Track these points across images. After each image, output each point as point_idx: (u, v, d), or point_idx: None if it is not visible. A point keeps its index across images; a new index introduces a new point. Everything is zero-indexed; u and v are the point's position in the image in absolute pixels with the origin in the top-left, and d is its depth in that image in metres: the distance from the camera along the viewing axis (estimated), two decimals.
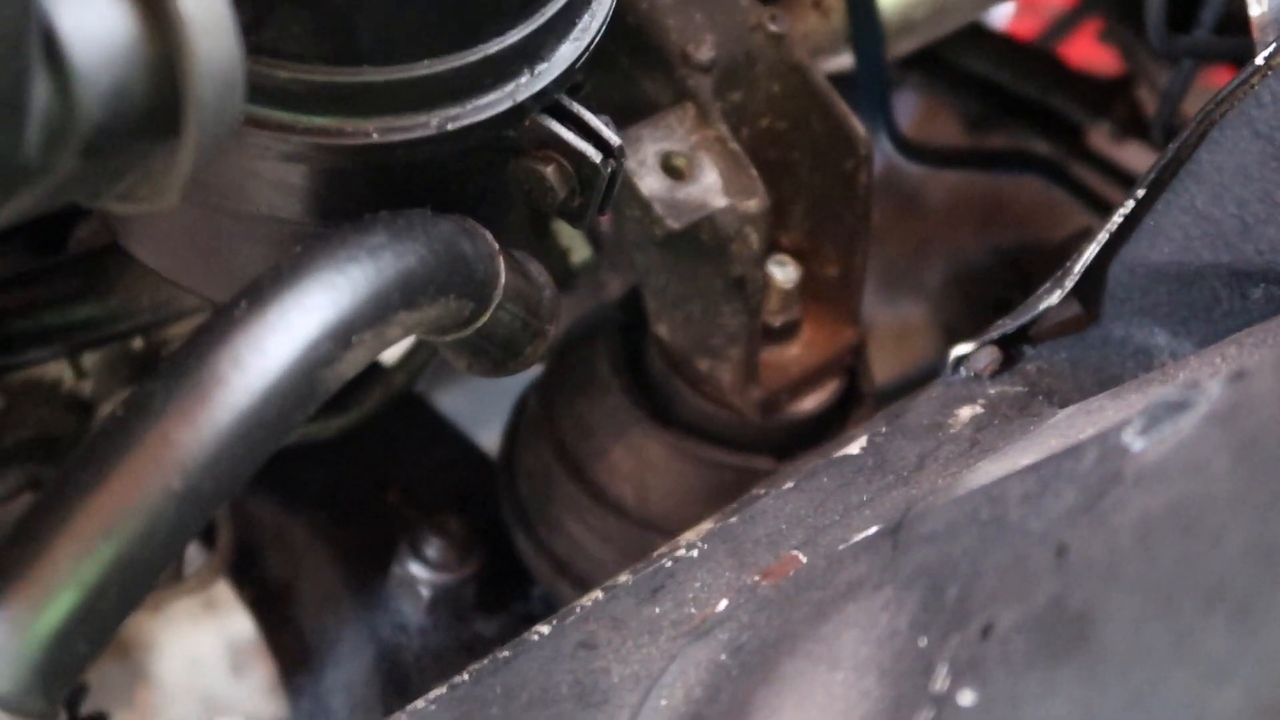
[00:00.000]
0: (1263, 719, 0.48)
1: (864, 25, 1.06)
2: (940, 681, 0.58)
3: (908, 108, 1.41)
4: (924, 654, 0.60)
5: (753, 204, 0.91)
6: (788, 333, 1.01)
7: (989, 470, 0.66)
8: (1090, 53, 1.52)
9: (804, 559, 0.71)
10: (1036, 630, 0.56)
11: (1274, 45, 0.74)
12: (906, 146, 1.23)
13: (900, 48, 1.13)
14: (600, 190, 0.73)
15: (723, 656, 0.67)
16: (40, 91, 0.50)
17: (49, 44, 0.50)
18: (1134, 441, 0.58)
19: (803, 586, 0.69)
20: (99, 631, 0.59)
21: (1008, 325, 0.82)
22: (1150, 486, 0.55)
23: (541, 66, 0.70)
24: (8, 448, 0.95)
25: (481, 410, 1.28)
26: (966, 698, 0.57)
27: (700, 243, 0.92)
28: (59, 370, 0.97)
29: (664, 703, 0.67)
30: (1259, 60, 0.75)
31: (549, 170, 0.72)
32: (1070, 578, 0.56)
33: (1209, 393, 0.57)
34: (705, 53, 0.91)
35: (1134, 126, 1.34)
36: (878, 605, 0.63)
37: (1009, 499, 0.61)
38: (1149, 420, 0.57)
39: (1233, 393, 0.56)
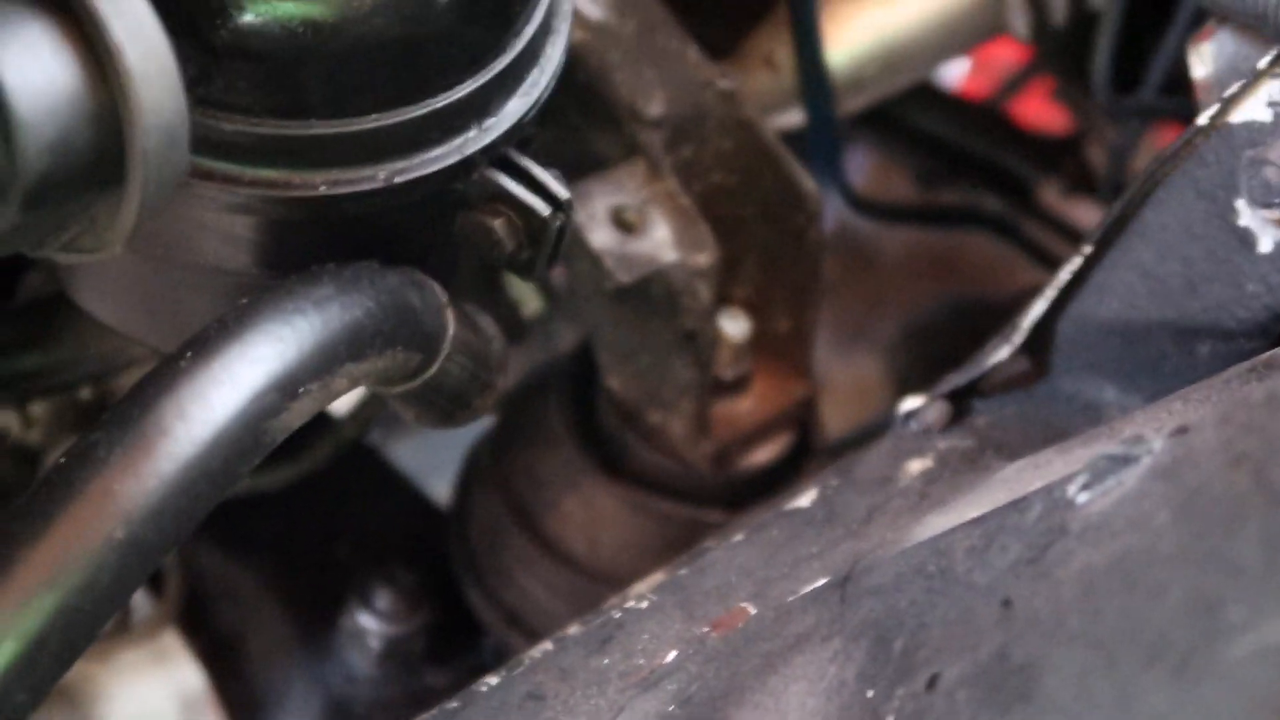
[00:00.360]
0: None
1: (814, 82, 1.07)
2: None
3: (859, 164, 1.41)
4: (870, 705, 0.59)
5: (703, 258, 0.91)
6: (739, 386, 1.01)
7: (936, 523, 0.65)
8: (1043, 111, 1.53)
9: (753, 611, 0.71)
10: (981, 683, 0.55)
11: (1216, 106, 0.75)
12: (858, 203, 1.23)
13: (851, 105, 1.13)
14: (549, 244, 0.73)
15: (671, 708, 0.67)
16: None
17: None
18: (1078, 495, 0.58)
19: (751, 638, 0.69)
20: (40, 682, 0.58)
21: (957, 380, 0.82)
22: (1094, 540, 0.55)
23: (490, 121, 0.70)
24: None
25: (433, 461, 1.28)
26: None
27: (650, 296, 0.92)
28: (6, 419, 0.96)
29: None
30: (1202, 121, 0.75)
31: (497, 223, 0.72)
32: (1015, 631, 0.56)
33: (1152, 447, 0.57)
34: (655, 108, 0.91)
35: (1083, 184, 1.35)
36: (825, 657, 0.63)
37: (955, 552, 0.61)
38: (1093, 474, 0.58)
39: (1175, 448, 0.56)
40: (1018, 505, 0.60)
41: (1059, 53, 1.29)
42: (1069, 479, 0.59)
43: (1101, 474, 0.57)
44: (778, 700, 0.64)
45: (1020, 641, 0.55)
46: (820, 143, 1.10)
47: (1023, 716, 0.53)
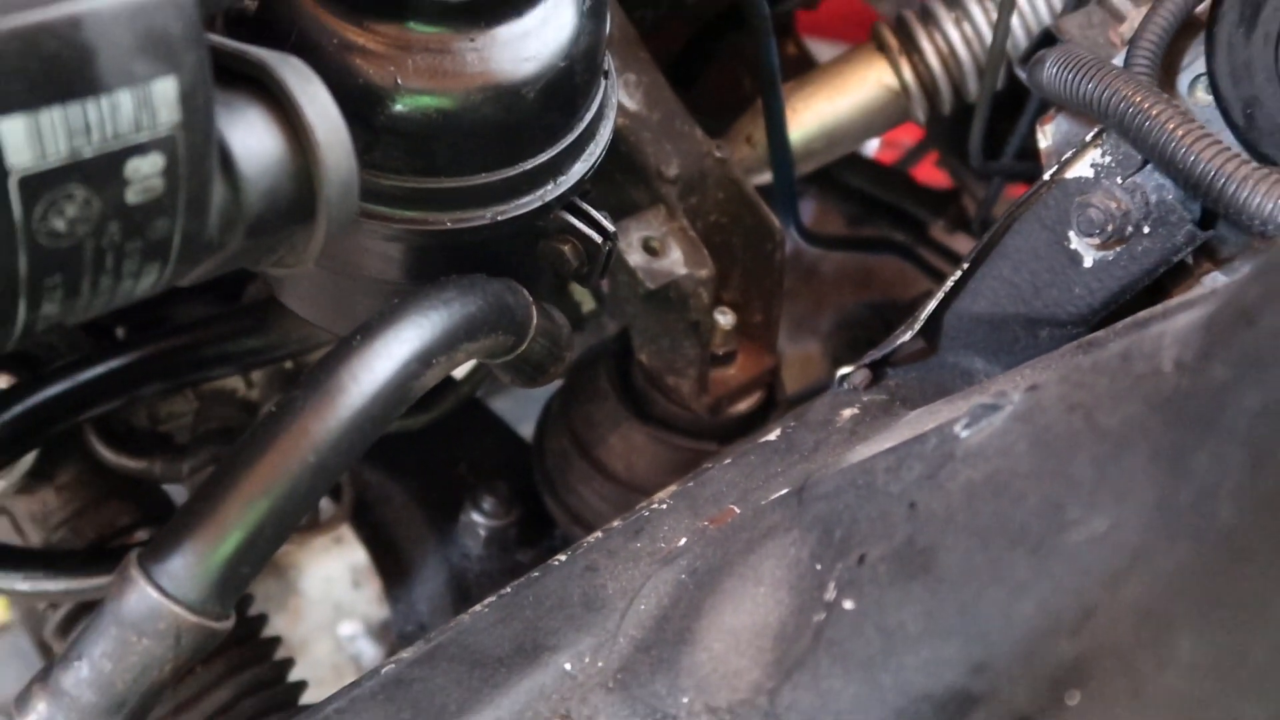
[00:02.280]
0: (1051, 623, 0.47)
1: (779, 154, 1.06)
2: (830, 593, 0.57)
3: (808, 209, 1.40)
4: (819, 575, 0.59)
5: (704, 273, 0.91)
6: (728, 359, 1.00)
7: (862, 451, 0.65)
8: (932, 173, 1.51)
9: (738, 510, 0.70)
10: (895, 560, 0.55)
11: (1055, 167, 0.74)
12: (807, 235, 1.22)
13: (803, 169, 1.13)
14: (601, 262, 0.73)
15: (683, 576, 0.67)
16: (218, 191, 0.49)
17: (225, 159, 0.49)
18: (961, 432, 0.57)
19: (737, 529, 0.68)
20: (258, 559, 0.58)
21: (875, 354, 0.81)
22: (973, 462, 0.55)
23: (562, 178, 0.69)
24: (200, 435, 0.94)
25: (521, 410, 1.27)
26: (848, 604, 0.56)
27: (669, 298, 0.91)
28: (235, 382, 0.96)
29: (643, 607, 0.66)
30: (1045, 177, 0.74)
31: (566, 248, 0.71)
32: (918, 524, 0.55)
33: (1012, 399, 0.56)
34: (672, 170, 0.90)
35: (961, 223, 1.34)
36: (788, 542, 0.63)
37: (876, 471, 0.60)
38: (972, 417, 0.57)
39: (1029, 399, 0.55)
40: (919, 439, 0.60)
41: (944, 133, 1.28)
42: (954, 421, 0.58)
43: (978, 417, 0.57)
44: (755, 571, 0.63)
45: (922, 532, 0.55)
46: (783, 194, 1.09)
47: (924, 583, 0.53)
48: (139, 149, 0.44)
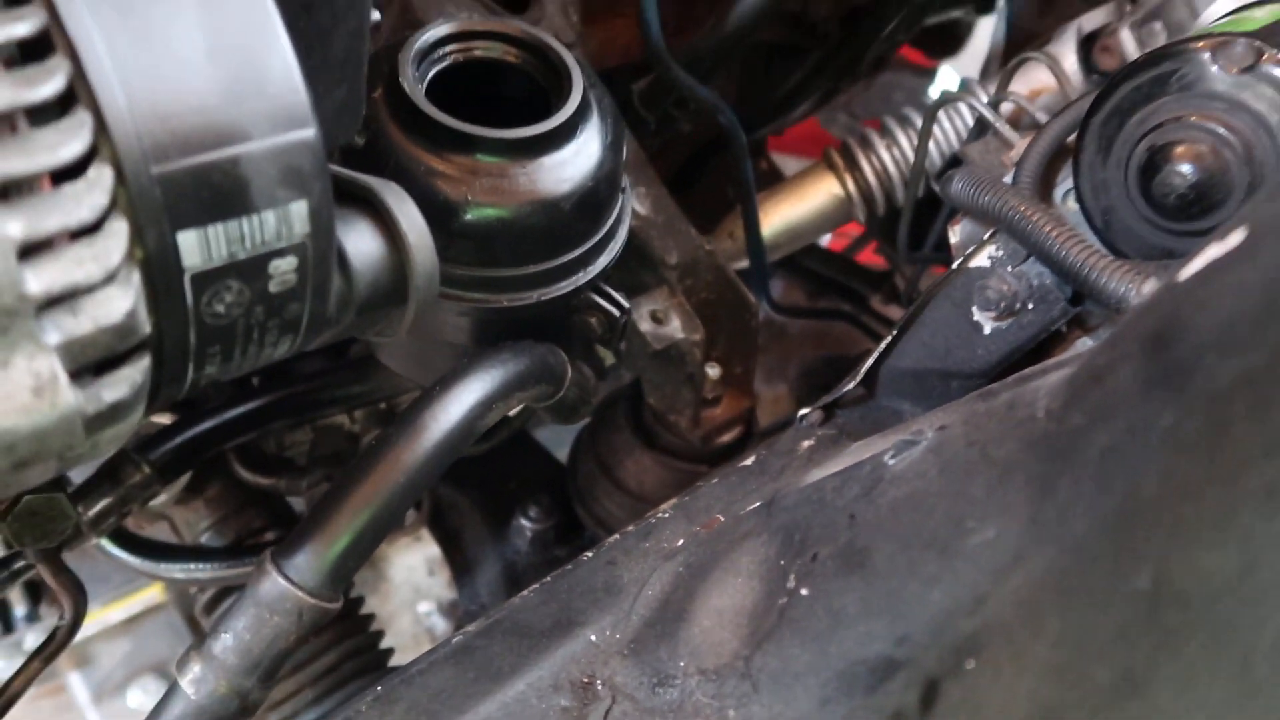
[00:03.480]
0: (954, 606, 0.48)
1: (754, 246, 1.08)
2: (791, 583, 0.58)
3: (777, 286, 1.41)
4: (783, 569, 0.60)
5: (697, 336, 0.92)
6: (715, 402, 1.01)
7: (816, 474, 0.65)
8: (872, 258, 1.52)
9: (722, 519, 0.71)
10: (839, 558, 0.56)
11: (962, 258, 0.75)
12: (776, 306, 1.24)
13: (773, 256, 1.14)
14: (620, 330, 0.74)
15: (680, 569, 0.67)
16: (336, 282, 0.51)
17: (341, 259, 0.51)
18: (889, 460, 0.58)
19: (721, 534, 0.68)
20: (361, 555, 0.59)
21: (828, 399, 0.81)
22: (897, 484, 0.56)
23: (591, 268, 0.71)
24: (315, 459, 0.95)
25: (558, 439, 1.28)
26: (804, 591, 0.57)
27: (670, 356, 0.92)
28: (342, 419, 0.97)
29: (650, 593, 0.67)
30: (954, 266, 0.75)
31: (593, 319, 0.73)
32: (857, 531, 0.56)
33: (927, 435, 0.57)
34: (673, 259, 0.92)
35: (894, 297, 1.35)
36: (760, 543, 0.63)
37: (826, 489, 0.61)
38: (896, 449, 0.58)
39: (939, 436, 0.56)
40: (858, 465, 0.61)
41: (880, 228, 1.29)
42: (884, 452, 0.59)
43: (901, 449, 0.58)
44: (735, 565, 0.64)
45: (860, 537, 0.56)
46: (757, 276, 1.10)
47: (861, 576, 0.54)
48: (279, 253, 0.46)
